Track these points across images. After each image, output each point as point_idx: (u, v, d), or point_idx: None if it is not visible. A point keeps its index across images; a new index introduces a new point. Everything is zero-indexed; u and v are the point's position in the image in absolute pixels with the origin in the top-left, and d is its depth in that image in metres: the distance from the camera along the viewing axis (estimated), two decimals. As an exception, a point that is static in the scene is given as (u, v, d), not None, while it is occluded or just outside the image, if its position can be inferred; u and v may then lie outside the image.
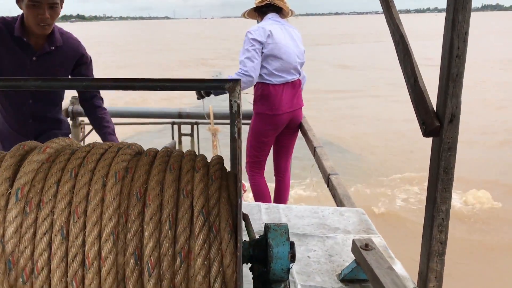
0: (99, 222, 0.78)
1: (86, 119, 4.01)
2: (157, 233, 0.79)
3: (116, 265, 0.78)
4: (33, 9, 2.54)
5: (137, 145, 0.98)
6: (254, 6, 3.69)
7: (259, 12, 3.73)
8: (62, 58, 2.77)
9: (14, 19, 2.67)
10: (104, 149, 0.91)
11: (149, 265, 0.77)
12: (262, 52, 3.47)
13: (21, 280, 0.78)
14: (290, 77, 3.56)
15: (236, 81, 0.99)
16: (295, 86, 3.62)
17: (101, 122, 2.88)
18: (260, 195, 3.77)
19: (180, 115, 3.85)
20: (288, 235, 0.81)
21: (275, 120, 3.58)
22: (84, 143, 4.00)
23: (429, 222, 1.50)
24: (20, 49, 2.66)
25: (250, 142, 3.73)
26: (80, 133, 3.93)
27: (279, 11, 3.72)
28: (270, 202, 3.81)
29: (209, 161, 0.99)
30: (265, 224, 0.86)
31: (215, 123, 4.07)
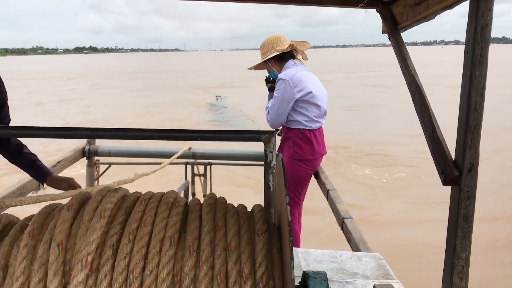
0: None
1: (101, 158, 4.09)
2: None
3: None
4: None
5: (180, 203, 1.02)
6: (277, 53, 3.63)
7: (280, 59, 3.70)
8: None
9: None
10: (154, 214, 0.95)
11: None
12: (304, 100, 3.48)
13: None
14: (323, 121, 3.64)
15: (271, 133, 1.05)
16: (322, 130, 3.68)
17: (23, 148, 2.55)
18: (295, 240, 3.72)
19: (194, 156, 3.92)
20: (327, 283, 0.85)
21: (314, 164, 3.61)
22: (98, 182, 4.05)
23: (449, 270, 1.52)
24: None
25: (289, 189, 3.66)
26: (95, 172, 3.98)
27: (294, 57, 3.77)
28: (299, 245, 3.76)
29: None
30: (304, 271, 0.90)
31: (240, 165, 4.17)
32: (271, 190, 1.09)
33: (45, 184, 3.13)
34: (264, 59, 3.73)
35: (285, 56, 3.70)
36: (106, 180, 4.34)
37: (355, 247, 2.43)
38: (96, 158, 4.00)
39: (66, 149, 3.87)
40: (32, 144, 2.80)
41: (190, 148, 3.94)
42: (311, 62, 4.01)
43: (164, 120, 15.08)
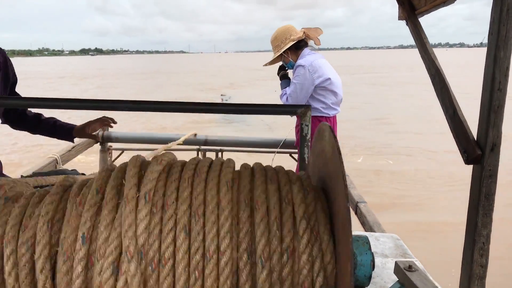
0: (217, 222, 0.89)
1: (114, 144, 4.13)
2: (267, 232, 0.88)
3: (232, 259, 0.88)
4: None
5: (232, 160, 1.09)
6: (293, 43, 3.63)
7: (296, 48, 3.69)
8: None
9: None
10: (209, 163, 1.01)
11: (262, 259, 0.86)
12: (323, 87, 3.49)
13: (150, 268, 0.88)
14: (339, 109, 3.67)
15: (307, 107, 1.09)
16: (336, 118, 3.71)
17: (41, 116, 2.56)
18: None
19: (206, 142, 3.95)
20: (370, 245, 0.89)
21: None
22: (111, 167, 4.09)
23: (470, 246, 1.56)
24: None
25: None
26: (108, 157, 4.03)
27: (307, 44, 3.77)
28: None
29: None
30: None
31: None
32: (306, 162, 1.13)
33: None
34: (282, 51, 3.66)
35: (300, 45, 3.70)
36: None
37: (369, 229, 2.47)
38: (109, 144, 4.04)
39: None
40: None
41: (195, 134, 3.97)
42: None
43: (178, 115, 16.10)
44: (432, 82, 1.87)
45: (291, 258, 0.88)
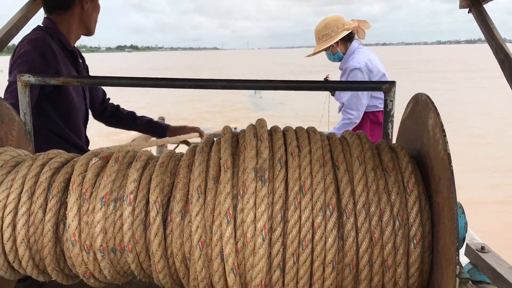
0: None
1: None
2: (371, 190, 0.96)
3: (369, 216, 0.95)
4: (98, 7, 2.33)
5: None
6: (347, 32, 3.54)
7: (348, 39, 3.61)
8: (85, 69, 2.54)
9: (49, 29, 2.20)
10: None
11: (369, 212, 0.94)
12: None
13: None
14: None
15: (392, 83, 1.12)
16: None
17: (135, 114, 2.78)
18: None
19: None
20: (463, 210, 0.93)
21: None
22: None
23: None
24: (75, 64, 2.34)
25: None
26: (164, 151, 4.16)
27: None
28: None
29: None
30: None
31: None
32: (390, 137, 1.17)
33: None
34: (335, 40, 3.52)
35: (351, 35, 3.62)
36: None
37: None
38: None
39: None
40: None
41: (236, 128, 4.07)
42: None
43: (218, 105, 18.50)
44: (501, 67, 1.86)
45: (400, 214, 0.92)
